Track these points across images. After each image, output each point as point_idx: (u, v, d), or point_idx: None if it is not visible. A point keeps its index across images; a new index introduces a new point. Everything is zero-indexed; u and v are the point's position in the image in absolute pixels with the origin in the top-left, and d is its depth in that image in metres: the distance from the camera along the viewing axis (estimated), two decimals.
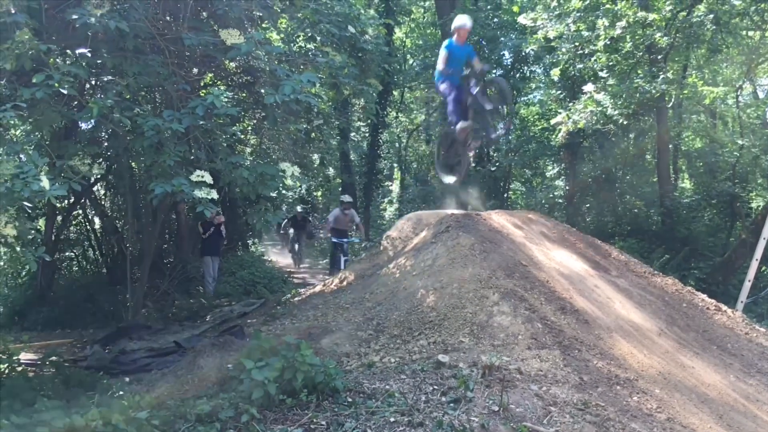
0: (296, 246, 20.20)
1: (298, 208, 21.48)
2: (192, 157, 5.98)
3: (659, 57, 14.74)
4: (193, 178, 4.84)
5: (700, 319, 7.73)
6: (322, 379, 4.34)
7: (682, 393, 5.30)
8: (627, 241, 15.95)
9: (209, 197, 4.82)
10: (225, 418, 4.08)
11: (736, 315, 8.37)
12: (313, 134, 8.54)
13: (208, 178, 4.84)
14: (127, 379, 7.02)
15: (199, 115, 5.09)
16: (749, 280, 11.50)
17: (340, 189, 26.83)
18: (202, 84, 8.66)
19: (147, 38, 6.08)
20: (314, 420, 4.00)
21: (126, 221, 13.88)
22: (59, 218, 13.28)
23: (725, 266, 13.95)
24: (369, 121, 24.94)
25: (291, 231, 20.70)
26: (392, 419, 4.02)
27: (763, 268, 13.40)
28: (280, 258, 21.65)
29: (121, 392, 5.74)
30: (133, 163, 11.23)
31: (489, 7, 19.67)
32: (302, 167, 8.48)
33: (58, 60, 5.25)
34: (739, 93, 19.92)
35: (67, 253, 14.66)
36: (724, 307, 8.39)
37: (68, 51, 5.43)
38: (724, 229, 16.44)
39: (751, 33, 16.70)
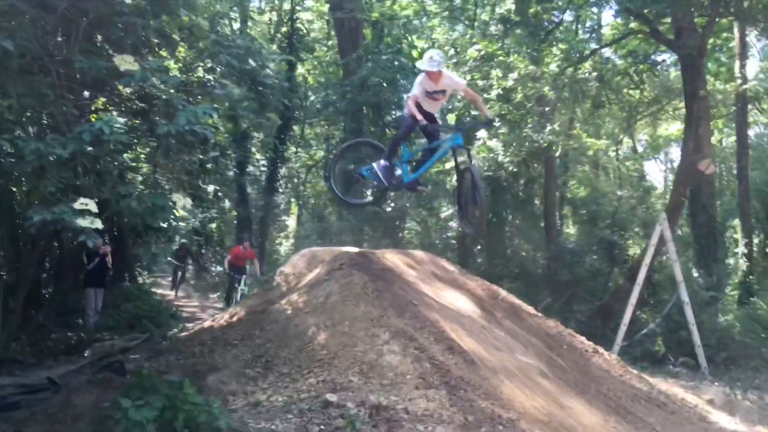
0: (178, 275, 20.60)
1: (182, 240, 21.47)
2: (78, 184, 5.72)
3: (547, 109, 15.55)
4: (77, 206, 4.62)
5: (579, 361, 8.06)
6: (205, 419, 4.20)
7: None
8: (515, 283, 16.48)
9: (93, 226, 4.61)
10: None
11: (612, 357, 8.80)
12: (209, 165, 8.36)
13: (93, 207, 4.64)
14: None
15: (86, 140, 4.89)
16: (625, 324, 12.16)
17: (235, 222, 26.39)
18: (93, 108, 8.34)
19: (35, 58, 5.82)
20: None
21: (2, 248, 13.01)
22: None
23: (604, 310, 14.65)
24: (267, 154, 24.80)
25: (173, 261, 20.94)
26: None
27: (638, 313, 14.16)
28: (169, 291, 20.92)
29: None
30: (13, 188, 10.59)
31: (390, 50, 20.14)
32: (196, 199, 8.27)
33: None
34: (619, 147, 21.27)
35: None
36: (601, 350, 8.80)
37: None
38: (604, 274, 17.30)
39: (631, 91, 17.95)
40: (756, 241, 17.96)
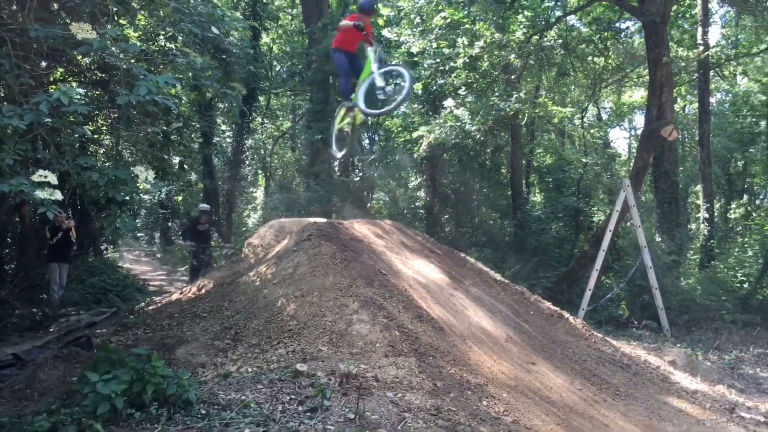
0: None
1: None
2: (38, 156, 5.58)
3: (513, 77, 15.57)
4: (35, 178, 4.50)
5: (545, 326, 8.20)
6: (174, 391, 4.18)
7: (527, 396, 5.59)
8: (482, 251, 16.67)
9: (53, 198, 4.51)
10: None
11: (578, 322, 8.96)
12: (173, 137, 8.22)
13: (52, 179, 4.53)
14: None
15: (44, 111, 4.76)
16: (590, 289, 12.40)
17: (201, 194, 26.14)
18: (52, 79, 8.12)
19: None
20: None
21: None
22: None
23: (569, 276, 14.90)
24: (233, 125, 24.49)
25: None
26: (247, 430, 3.95)
27: (603, 278, 14.44)
28: (136, 264, 20.69)
29: None
30: None
31: None
32: (161, 171, 8.13)
33: None
34: (584, 114, 21.43)
35: None
36: (566, 315, 8.96)
37: None
38: (570, 240, 17.57)
39: (596, 59, 18.06)
40: (717, 206, 18.37)
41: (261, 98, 25.37)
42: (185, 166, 10.92)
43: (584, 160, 18.76)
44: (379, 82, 8.26)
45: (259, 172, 30.35)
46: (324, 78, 20.21)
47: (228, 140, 26.35)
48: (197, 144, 21.10)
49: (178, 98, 9.19)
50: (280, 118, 29.78)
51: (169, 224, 27.82)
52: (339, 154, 10.60)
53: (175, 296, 9.28)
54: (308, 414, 4.25)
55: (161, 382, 4.16)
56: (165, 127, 7.74)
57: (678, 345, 10.86)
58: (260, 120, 27.40)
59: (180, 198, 25.64)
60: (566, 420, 5.35)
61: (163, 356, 4.88)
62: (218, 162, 25.76)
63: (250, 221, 27.89)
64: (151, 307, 9.11)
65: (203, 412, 4.21)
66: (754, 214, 20.55)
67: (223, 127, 25.71)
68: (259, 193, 29.87)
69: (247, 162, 26.40)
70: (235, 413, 4.18)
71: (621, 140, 36.83)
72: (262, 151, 29.37)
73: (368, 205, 20.83)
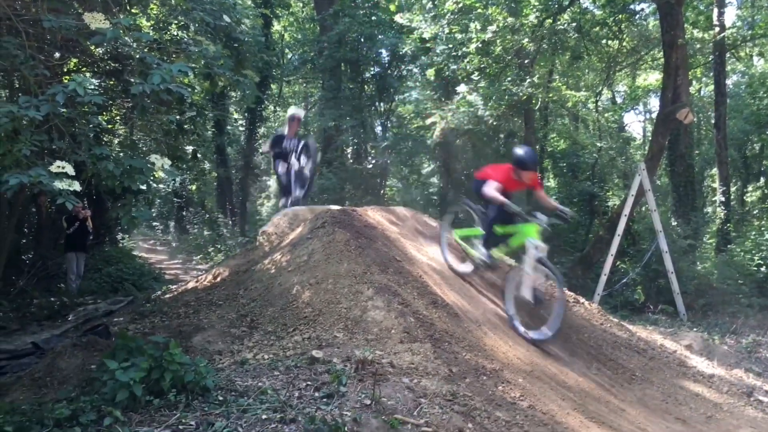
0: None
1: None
2: (54, 147, 5.62)
3: (527, 62, 15.46)
4: (53, 168, 4.53)
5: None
6: (192, 378, 4.21)
7: (543, 381, 5.60)
8: None
9: (71, 189, 4.54)
10: (86, 421, 3.87)
11: (593, 307, 8.93)
12: (186, 125, 8.23)
13: (70, 169, 4.56)
14: None
15: (60, 102, 4.78)
16: (605, 274, 12.35)
17: (215, 183, 26.24)
18: (65, 69, 8.15)
19: (2, 19, 5.65)
20: (183, 420, 3.88)
21: None
22: None
23: (584, 261, 14.85)
24: (245, 114, 24.52)
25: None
26: (264, 416, 3.97)
27: (618, 263, 14.37)
28: (152, 253, 20.85)
29: None
30: None
31: (367, 4, 19.85)
32: (175, 160, 8.16)
33: None
34: (598, 98, 21.25)
35: None
36: (582, 300, 8.93)
37: None
38: (584, 225, 17.50)
39: (610, 42, 17.88)
40: (733, 189, 18.19)
41: (273, 86, 25.38)
42: (198, 155, 10.92)
43: (599, 145, 18.63)
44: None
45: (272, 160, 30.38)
46: (335, 65, 20.18)
47: (240, 129, 26.40)
48: (210, 133, 21.21)
49: (191, 87, 9.19)
50: (293, 106, 29.77)
51: (184, 213, 27.96)
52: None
53: (191, 284, 9.35)
54: (324, 400, 4.27)
55: (179, 370, 4.20)
56: (179, 116, 7.76)
57: (694, 329, 10.81)
58: (272, 108, 27.42)
59: (194, 187, 25.80)
60: (582, 405, 5.35)
61: (180, 344, 4.91)
62: (231, 151, 25.83)
63: (263, 210, 28.00)
64: (167, 296, 9.19)
65: (220, 398, 4.24)
66: None
67: (236, 116, 25.74)
68: (272, 182, 29.92)
69: (260, 150, 26.46)
70: (252, 399, 4.21)
71: (636, 124, 36.53)
72: None
73: (381, 192, 20.85)
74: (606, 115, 22.77)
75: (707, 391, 6.87)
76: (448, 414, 4.27)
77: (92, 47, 7.12)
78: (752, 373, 8.23)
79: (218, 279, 8.57)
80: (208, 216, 25.44)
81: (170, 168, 5.75)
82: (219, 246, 20.22)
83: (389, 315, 5.80)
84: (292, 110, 11.67)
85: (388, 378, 4.71)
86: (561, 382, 5.78)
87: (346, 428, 3.81)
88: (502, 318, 6.98)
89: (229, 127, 24.74)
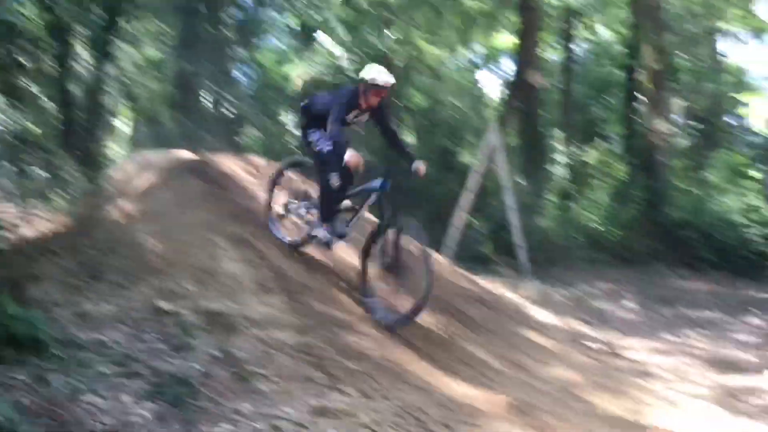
0: None
1: None
2: None
3: (387, 14, 15.50)
4: None
5: (414, 264, 8.41)
6: (24, 330, 3.93)
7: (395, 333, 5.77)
8: None
9: None
10: None
11: (444, 260, 9.29)
12: (23, 59, 7.56)
13: None
14: None
15: None
16: (456, 228, 12.87)
17: (60, 125, 24.38)
18: None
19: None
20: (14, 377, 3.62)
21: None
22: None
23: (440, 216, 15.31)
24: (91, 51, 22.83)
25: None
26: (106, 371, 3.81)
27: (469, 218, 14.95)
28: None
29: None
30: None
31: None
32: (12, 98, 7.48)
33: None
34: (456, 57, 21.74)
35: None
36: (434, 253, 9.24)
37: None
38: (440, 182, 18.00)
39: (470, 2, 18.27)
40: (575, 150, 19.42)
41: (125, 23, 23.74)
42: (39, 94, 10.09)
43: (455, 103, 19.13)
44: None
45: (123, 102, 28.66)
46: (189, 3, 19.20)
47: (87, 66, 24.60)
48: (53, 69, 19.53)
49: (29, 20, 8.43)
50: (146, 45, 28.07)
51: (21, 156, 25.82)
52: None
53: (27, 232, 8.67)
54: (173, 353, 4.16)
55: (10, 322, 3.90)
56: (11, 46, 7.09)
57: (536, 281, 11.54)
58: (123, 47, 25.72)
59: (34, 127, 23.82)
60: (429, 354, 5.57)
61: (13, 295, 4.55)
62: (78, 91, 24.06)
63: (112, 154, 26.45)
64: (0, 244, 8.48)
65: (58, 353, 4.00)
66: (608, 159, 21.90)
67: (84, 54, 23.94)
68: (122, 125, 28.27)
69: (109, 91, 24.84)
70: (93, 353, 4.01)
71: (490, 83, 37.74)
72: (127, 81, 27.67)
73: (239, 140, 20.30)
74: (463, 73, 23.38)
75: (543, 338, 7.38)
76: (298, 364, 4.30)
77: None
78: (582, 321, 8.96)
79: (59, 226, 8.01)
80: (49, 159, 23.66)
81: (5, 106, 5.27)
82: (61, 191, 18.90)
83: (244, 266, 5.71)
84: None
85: (240, 330, 4.66)
86: (411, 334, 5.97)
87: (194, 381, 3.75)
88: (358, 271, 7.07)
89: (74, 65, 22.96)
